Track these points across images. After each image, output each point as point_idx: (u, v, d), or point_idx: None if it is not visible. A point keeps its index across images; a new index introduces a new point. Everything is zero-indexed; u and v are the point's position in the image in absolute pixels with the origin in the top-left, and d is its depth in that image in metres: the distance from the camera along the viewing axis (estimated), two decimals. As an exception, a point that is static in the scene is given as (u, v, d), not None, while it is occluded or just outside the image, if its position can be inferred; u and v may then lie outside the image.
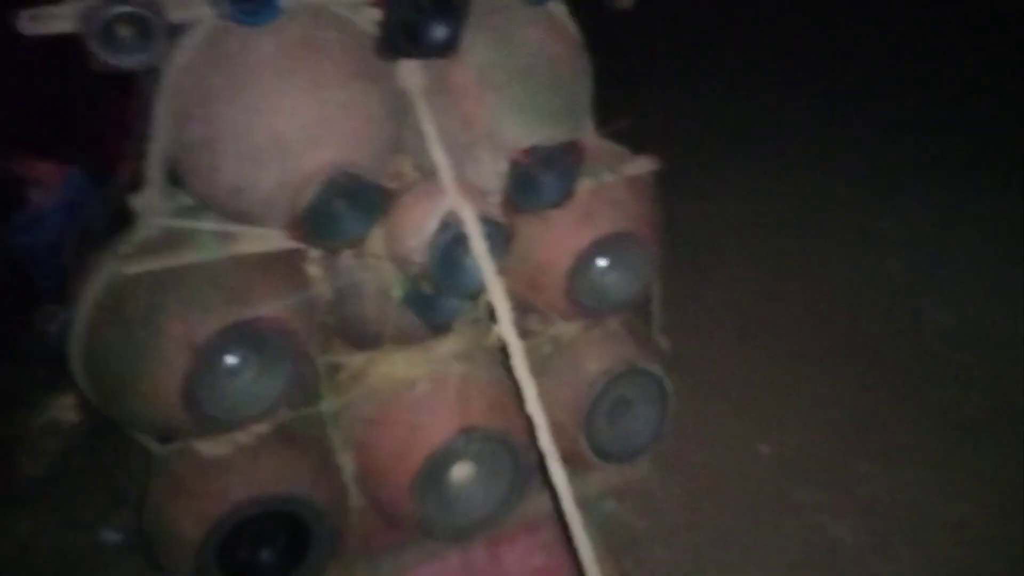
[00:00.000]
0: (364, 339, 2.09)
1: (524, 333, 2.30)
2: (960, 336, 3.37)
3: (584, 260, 2.12)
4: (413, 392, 2.14)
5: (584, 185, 2.06)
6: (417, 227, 1.80)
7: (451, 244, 1.77)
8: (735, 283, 3.80)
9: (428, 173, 1.91)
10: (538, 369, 2.32)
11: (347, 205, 1.78)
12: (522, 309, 2.28)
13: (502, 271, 1.86)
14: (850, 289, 3.73)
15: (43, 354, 1.99)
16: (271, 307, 1.87)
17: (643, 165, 2.20)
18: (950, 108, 5.36)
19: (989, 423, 2.89)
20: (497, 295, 1.72)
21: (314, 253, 1.96)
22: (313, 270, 1.99)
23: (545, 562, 2.31)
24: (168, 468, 2.02)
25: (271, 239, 1.86)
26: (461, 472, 2.20)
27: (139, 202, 1.84)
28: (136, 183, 1.82)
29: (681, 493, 2.69)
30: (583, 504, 2.36)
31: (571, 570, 1.83)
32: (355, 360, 2.14)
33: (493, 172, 1.95)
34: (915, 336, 3.41)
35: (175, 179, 1.87)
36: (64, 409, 2.53)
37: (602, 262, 2.20)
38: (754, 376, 3.19)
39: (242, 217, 1.84)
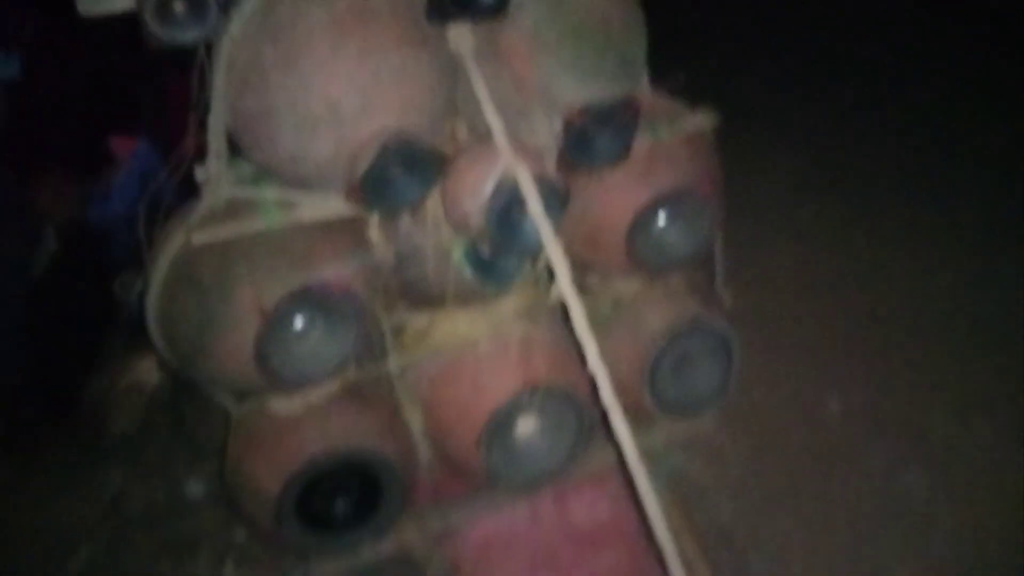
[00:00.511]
0: (426, 300, 2.12)
1: (584, 292, 2.30)
2: None
3: (644, 217, 2.09)
4: (476, 351, 2.17)
5: (641, 142, 2.02)
6: (473, 190, 1.80)
7: (507, 206, 1.76)
8: (799, 238, 3.68)
9: (482, 136, 1.90)
10: (599, 328, 2.32)
11: (403, 170, 1.79)
12: (581, 268, 2.27)
13: (560, 231, 1.85)
14: (920, 243, 3.58)
15: (123, 321, 2.09)
16: (335, 271, 1.91)
17: (701, 121, 2.15)
18: None
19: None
20: (555, 255, 1.72)
21: (375, 218, 1.99)
22: (374, 234, 2.01)
23: (611, 513, 2.33)
24: (245, 425, 2.11)
25: (332, 205, 1.89)
26: (525, 427, 2.23)
27: (203, 173, 1.89)
28: (200, 155, 1.87)
29: (748, 446, 2.66)
30: (649, 457, 2.39)
31: (638, 521, 1.85)
32: (418, 320, 2.17)
33: (548, 132, 1.92)
34: (989, 290, 3.26)
35: (237, 149, 1.92)
36: (145, 371, 2.64)
37: (662, 219, 2.16)
38: (820, 331, 3.10)
39: (302, 184, 1.87)
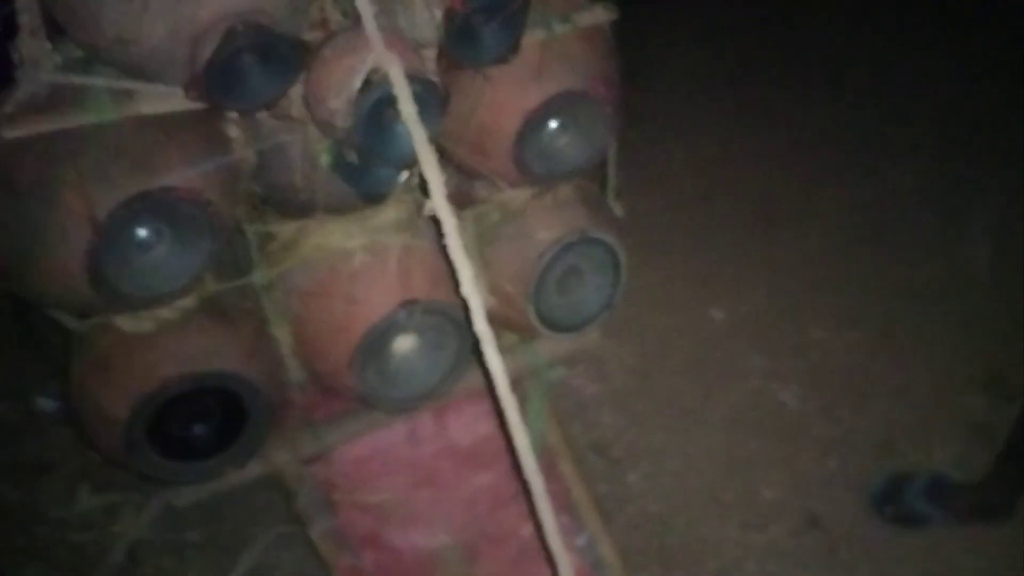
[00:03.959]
0: (294, 208, 1.84)
1: (469, 201, 2.08)
2: (918, 196, 3.18)
3: (533, 122, 1.85)
4: (350, 263, 1.92)
5: (532, 37, 1.76)
6: (339, 86, 1.50)
7: (377, 106, 1.49)
8: (695, 141, 3.52)
9: (354, 21, 1.59)
10: (486, 238, 2.12)
11: (255, 60, 1.47)
12: (467, 175, 2.04)
13: (438, 136, 1.60)
14: (812, 148, 3.47)
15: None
16: (183, 174, 1.60)
17: (599, 14, 1.89)
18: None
19: (941, 289, 2.76)
20: (429, 165, 1.46)
21: (232, 113, 1.68)
22: (233, 131, 1.70)
23: (492, 429, 2.19)
24: (88, 343, 1.82)
25: (175, 98, 1.56)
26: (403, 345, 2.01)
27: (17, 54, 1.52)
28: (11, 31, 1.50)
29: (631, 358, 2.55)
30: (532, 372, 2.25)
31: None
32: (286, 229, 1.89)
33: (427, 21, 1.63)
34: (873, 198, 3.21)
35: (60, 28, 1.55)
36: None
37: (553, 124, 1.92)
38: (710, 240, 2.99)
39: (136, 73, 1.53)
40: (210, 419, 1.89)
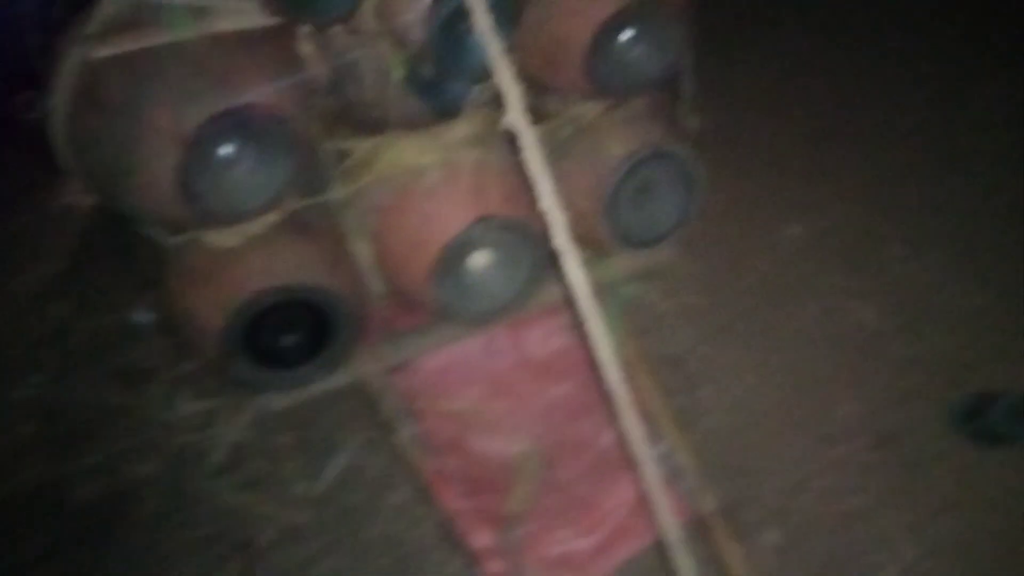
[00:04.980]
0: (368, 124, 1.84)
1: (541, 115, 2.03)
2: (1000, 117, 2.96)
3: (606, 33, 1.79)
4: (425, 180, 1.92)
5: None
6: (412, -2, 1.48)
7: (451, 18, 1.46)
8: (771, 56, 3.34)
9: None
10: (558, 153, 2.08)
11: (329, -27, 1.46)
12: (539, 89, 1.98)
13: (511, 48, 1.56)
14: (891, 66, 3.25)
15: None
16: (262, 91, 1.62)
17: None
18: None
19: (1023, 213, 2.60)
20: (504, 77, 1.43)
21: (305, 29, 1.67)
22: (306, 48, 1.70)
23: (567, 343, 2.20)
24: (181, 260, 1.89)
25: (251, 14, 1.56)
26: (479, 260, 2.03)
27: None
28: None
29: (705, 274, 2.50)
30: (607, 287, 2.23)
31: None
32: (361, 147, 1.90)
33: (500, -72, 1.57)
34: (954, 118, 3.00)
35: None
36: (77, 193, 2.35)
37: (626, 34, 1.86)
38: (786, 155, 2.86)
39: (215, -10, 1.54)
40: (298, 330, 1.96)
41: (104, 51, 1.52)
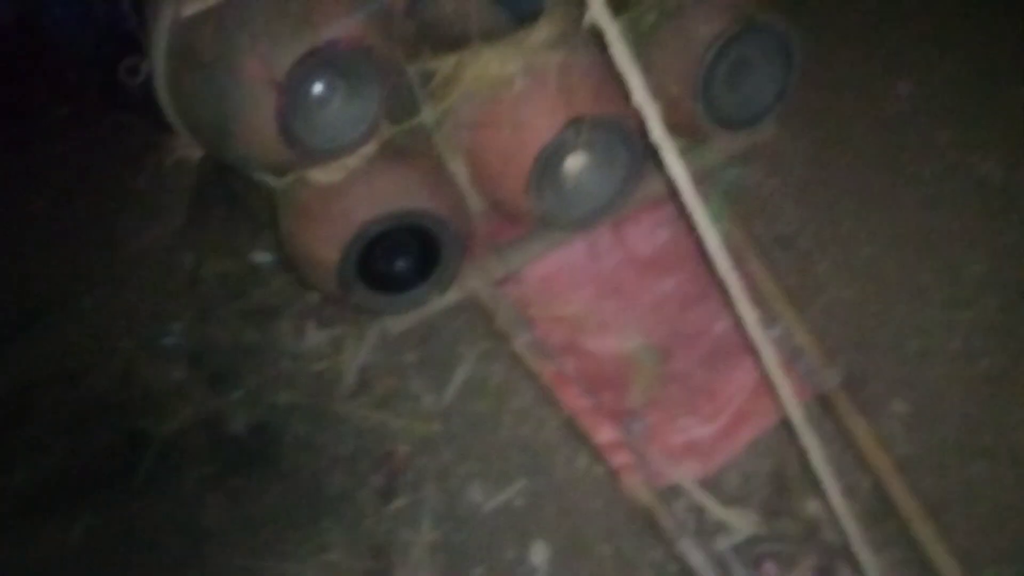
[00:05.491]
0: (449, 41, 1.82)
1: (623, 5, 1.96)
2: None
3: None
4: (512, 89, 1.90)
5: None
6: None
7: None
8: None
9: None
10: (644, 41, 2.01)
11: None
12: (619, -23, 1.91)
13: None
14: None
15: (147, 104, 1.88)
16: (343, 26, 1.63)
17: None
18: None
19: None
20: (583, -32, 1.39)
21: (377, -46, 1.65)
22: (380, -26, 1.69)
23: (672, 237, 2.18)
24: (290, 198, 1.96)
25: (320, -55, 1.56)
26: (575, 163, 2.00)
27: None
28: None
29: (811, 147, 2.40)
30: (708, 174, 2.18)
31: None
32: (445, 65, 1.89)
33: None
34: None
35: None
36: (187, 146, 2.47)
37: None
38: (887, 12, 2.66)
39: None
40: (409, 254, 2.02)
41: (191, 8, 1.56)
